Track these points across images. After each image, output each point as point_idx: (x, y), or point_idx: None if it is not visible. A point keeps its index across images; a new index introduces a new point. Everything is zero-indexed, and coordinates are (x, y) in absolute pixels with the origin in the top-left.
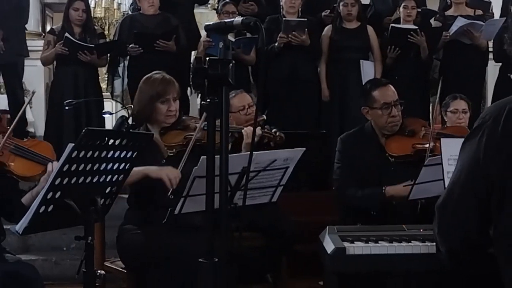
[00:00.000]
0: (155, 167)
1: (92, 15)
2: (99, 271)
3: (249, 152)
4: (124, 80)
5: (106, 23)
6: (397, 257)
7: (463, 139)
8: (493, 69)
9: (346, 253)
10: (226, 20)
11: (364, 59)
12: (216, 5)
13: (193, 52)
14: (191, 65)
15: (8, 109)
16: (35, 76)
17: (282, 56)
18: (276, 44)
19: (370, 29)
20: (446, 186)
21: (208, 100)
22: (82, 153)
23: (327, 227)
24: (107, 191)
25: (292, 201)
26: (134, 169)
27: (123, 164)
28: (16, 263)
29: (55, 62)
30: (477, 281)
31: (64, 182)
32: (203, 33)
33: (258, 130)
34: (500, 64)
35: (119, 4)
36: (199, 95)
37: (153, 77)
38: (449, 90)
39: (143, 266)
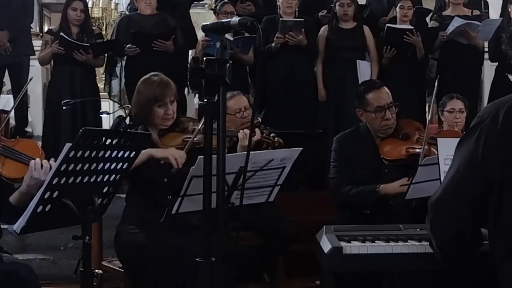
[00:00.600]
0: (159, 148)
1: (89, 15)
2: (96, 270)
3: (246, 152)
4: (121, 80)
5: (103, 23)
6: (394, 257)
7: (459, 139)
8: (489, 69)
9: (343, 253)
10: (223, 20)
11: (361, 59)
12: (213, 5)
13: (190, 52)
14: (188, 65)
15: (7, 109)
16: (33, 75)
17: (279, 56)
18: (273, 44)
19: (366, 29)
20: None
21: (205, 100)
22: (80, 152)
23: (324, 226)
24: (104, 190)
25: (289, 200)
26: None
27: (120, 164)
28: (11, 262)
29: (52, 62)
30: (473, 280)
31: (62, 182)
32: (199, 33)
33: (258, 135)
34: (496, 64)
35: (116, 4)
36: (196, 95)
37: (151, 80)
38: (446, 90)
39: (141, 266)
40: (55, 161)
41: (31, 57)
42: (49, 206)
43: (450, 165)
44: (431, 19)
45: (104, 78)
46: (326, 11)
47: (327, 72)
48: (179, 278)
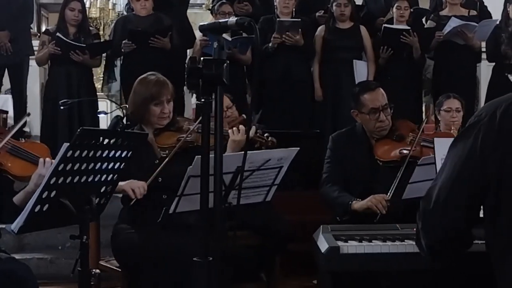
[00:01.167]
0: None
1: (87, 15)
2: (94, 270)
3: (243, 152)
4: (119, 80)
5: (101, 23)
6: (391, 256)
7: (454, 137)
8: (486, 69)
9: (340, 252)
10: (220, 20)
11: (357, 59)
12: (211, 5)
13: (189, 52)
14: (185, 65)
15: (5, 108)
16: (31, 76)
17: (276, 56)
18: (270, 44)
19: (363, 29)
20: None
21: (203, 100)
22: (77, 152)
23: (321, 226)
24: (102, 190)
25: (286, 200)
26: None
27: (117, 164)
28: (9, 262)
29: (49, 62)
30: (469, 280)
31: (59, 182)
32: (197, 33)
33: (252, 133)
34: (493, 64)
35: (114, 5)
36: (194, 95)
37: (148, 79)
38: (442, 90)
39: (138, 265)
40: None
41: (30, 57)
42: (47, 205)
43: (444, 163)
44: (427, 19)
45: (102, 78)
46: (323, 11)
47: (324, 72)
48: (176, 277)
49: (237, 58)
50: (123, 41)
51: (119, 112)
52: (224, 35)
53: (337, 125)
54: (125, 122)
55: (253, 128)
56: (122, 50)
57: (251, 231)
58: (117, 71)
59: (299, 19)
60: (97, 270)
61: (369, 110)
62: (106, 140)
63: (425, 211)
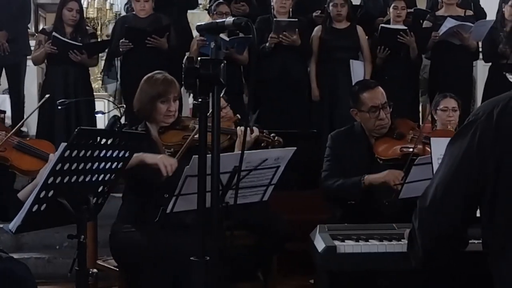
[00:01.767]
0: (151, 154)
1: (84, 15)
2: (91, 269)
3: (240, 152)
4: (117, 81)
5: (98, 24)
6: (387, 256)
7: (451, 136)
8: (482, 69)
9: (337, 252)
10: (217, 21)
11: (354, 59)
12: (208, 5)
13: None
14: (183, 65)
15: (3, 108)
16: (28, 75)
17: (273, 56)
18: (267, 44)
19: (360, 29)
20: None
21: (200, 100)
22: (75, 152)
23: (318, 226)
24: (99, 190)
25: (283, 200)
26: None
27: (115, 163)
28: (7, 261)
29: (46, 62)
30: (466, 279)
31: (57, 181)
32: (194, 33)
33: (256, 132)
34: (490, 63)
35: (111, 5)
36: (191, 94)
37: (155, 77)
38: (439, 90)
39: (136, 265)
40: None
41: (27, 57)
42: (44, 205)
43: (441, 161)
44: (424, 19)
45: (99, 78)
46: (320, 11)
47: (320, 72)
48: (174, 277)
49: (234, 58)
50: (121, 40)
51: (116, 112)
52: (221, 35)
53: (334, 125)
54: (122, 122)
55: (256, 129)
56: (120, 49)
57: (248, 230)
58: (116, 70)
59: (296, 19)
60: (95, 270)
61: (369, 108)
62: (104, 140)
63: (421, 209)
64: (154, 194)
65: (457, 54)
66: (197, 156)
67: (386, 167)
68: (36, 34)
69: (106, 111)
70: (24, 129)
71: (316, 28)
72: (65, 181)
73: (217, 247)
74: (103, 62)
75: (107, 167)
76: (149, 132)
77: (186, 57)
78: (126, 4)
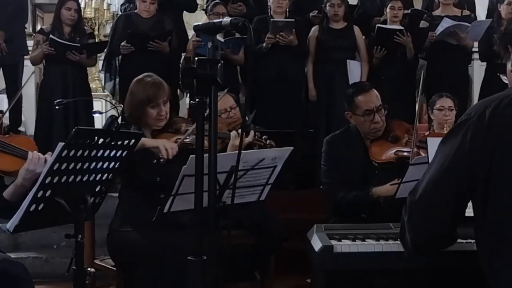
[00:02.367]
0: (150, 138)
1: (82, 15)
2: (89, 269)
3: (237, 151)
4: (115, 79)
5: (95, 24)
6: (384, 255)
7: (444, 135)
8: (479, 69)
9: (334, 251)
10: (214, 21)
11: (351, 59)
12: (205, 5)
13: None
14: (180, 65)
15: (0, 108)
16: (26, 75)
17: (270, 56)
18: (264, 45)
19: (356, 29)
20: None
21: (197, 100)
22: (72, 152)
23: (315, 225)
24: (97, 189)
25: (280, 199)
26: None
27: (112, 163)
28: (4, 261)
29: (44, 62)
30: (462, 279)
31: (55, 181)
32: (190, 32)
33: (251, 137)
34: (486, 63)
35: (109, 5)
36: (188, 95)
37: (144, 80)
38: (435, 90)
39: (133, 264)
40: (52, 155)
41: (24, 57)
42: (42, 205)
43: (433, 159)
44: (420, 20)
45: (96, 78)
46: (316, 11)
47: (317, 72)
48: (171, 276)
49: (230, 58)
50: (122, 43)
51: (114, 112)
52: (217, 36)
53: (330, 125)
54: (120, 122)
55: (252, 133)
56: (121, 51)
57: (245, 230)
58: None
59: (293, 19)
60: (92, 269)
61: (363, 112)
62: (101, 140)
63: (411, 204)
64: (150, 194)
65: (454, 54)
66: (194, 156)
67: (381, 170)
68: (34, 34)
69: (104, 111)
70: (21, 129)
71: (313, 28)
72: (62, 180)
73: (214, 247)
74: (101, 62)
75: (104, 166)
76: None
77: (183, 57)
78: (122, 5)
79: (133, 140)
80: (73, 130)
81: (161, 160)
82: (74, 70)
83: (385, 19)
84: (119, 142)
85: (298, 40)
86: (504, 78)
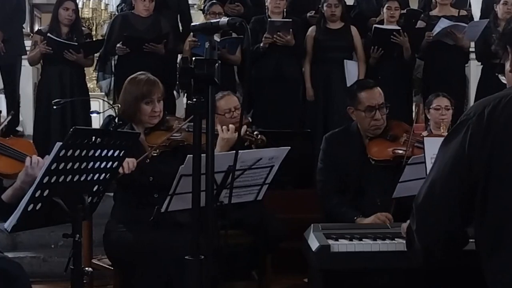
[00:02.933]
0: None
1: (80, 15)
2: (86, 268)
3: (234, 151)
4: (111, 78)
5: (93, 24)
6: (381, 255)
7: (444, 137)
8: (475, 69)
9: (331, 251)
10: (212, 21)
11: (348, 59)
12: (202, 5)
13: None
14: (177, 65)
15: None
16: (24, 75)
17: (268, 56)
18: (261, 45)
19: (353, 29)
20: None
21: (194, 99)
22: (70, 151)
23: (312, 224)
24: (94, 189)
25: (277, 199)
26: None
27: (110, 163)
28: (2, 260)
29: (42, 62)
30: (459, 278)
31: (52, 181)
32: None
33: (242, 131)
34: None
35: (106, 5)
36: (185, 94)
37: (138, 78)
38: (432, 90)
39: (130, 264)
40: None
41: (22, 57)
42: (39, 204)
43: (434, 161)
44: (417, 19)
45: (94, 78)
46: (314, 11)
47: (314, 72)
48: (168, 276)
49: (226, 58)
50: (117, 45)
51: (111, 112)
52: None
53: (328, 125)
54: (117, 122)
55: (244, 127)
56: (116, 52)
57: (242, 230)
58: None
59: (290, 19)
60: (90, 269)
61: (366, 107)
62: (99, 140)
63: (417, 209)
64: (144, 194)
65: (451, 54)
66: (191, 155)
67: (378, 168)
68: (32, 35)
69: (101, 110)
70: (19, 128)
71: (310, 28)
72: (60, 180)
73: (211, 246)
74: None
75: (102, 166)
76: None
77: (181, 57)
78: (119, 5)
79: (130, 140)
80: (71, 130)
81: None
82: (72, 70)
83: (381, 20)
84: (117, 142)
85: (295, 40)
86: (503, 78)
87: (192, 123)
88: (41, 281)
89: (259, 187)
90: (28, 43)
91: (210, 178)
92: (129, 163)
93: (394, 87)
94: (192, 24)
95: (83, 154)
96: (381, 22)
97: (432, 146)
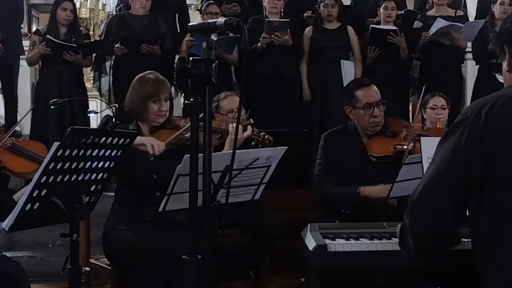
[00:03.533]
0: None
1: (77, 15)
2: (84, 267)
3: (232, 151)
4: (109, 78)
5: (91, 24)
6: (378, 254)
7: (441, 136)
8: (472, 69)
9: (328, 250)
10: (209, 21)
11: (345, 59)
12: (200, 6)
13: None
14: (174, 65)
15: None
16: (22, 75)
17: (265, 56)
18: (259, 45)
19: (350, 29)
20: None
21: (192, 99)
22: (68, 151)
23: (309, 224)
24: (92, 189)
25: (274, 198)
26: None
27: (107, 163)
28: (1, 259)
29: (40, 62)
30: (456, 277)
31: (50, 180)
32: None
33: (249, 131)
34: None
35: (104, 5)
36: (183, 94)
37: (147, 77)
38: (428, 90)
39: (128, 263)
40: None
41: (20, 57)
42: (37, 204)
43: (431, 161)
44: (414, 20)
45: (92, 78)
46: (310, 11)
47: (311, 72)
48: (166, 275)
49: (223, 58)
50: (115, 45)
51: (109, 112)
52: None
53: (325, 125)
54: (114, 121)
55: (250, 128)
56: (114, 52)
57: (240, 229)
58: (107, 66)
59: (288, 20)
60: (87, 268)
61: (364, 105)
62: (96, 139)
63: (411, 207)
64: (146, 192)
65: (447, 54)
66: (189, 155)
67: (379, 165)
68: (29, 35)
69: (99, 110)
70: (17, 128)
71: (307, 28)
72: (58, 180)
73: (209, 246)
74: None
75: (99, 166)
76: (140, 132)
77: (178, 57)
78: (117, 5)
79: (128, 139)
80: (68, 129)
81: (149, 156)
82: (70, 70)
83: (378, 20)
84: (114, 142)
85: (293, 40)
86: (500, 77)
87: (201, 123)
88: (39, 280)
89: (256, 187)
90: (26, 43)
91: (208, 178)
92: (160, 145)
93: (391, 87)
94: (189, 24)
95: (80, 154)
96: (378, 22)
97: (428, 146)
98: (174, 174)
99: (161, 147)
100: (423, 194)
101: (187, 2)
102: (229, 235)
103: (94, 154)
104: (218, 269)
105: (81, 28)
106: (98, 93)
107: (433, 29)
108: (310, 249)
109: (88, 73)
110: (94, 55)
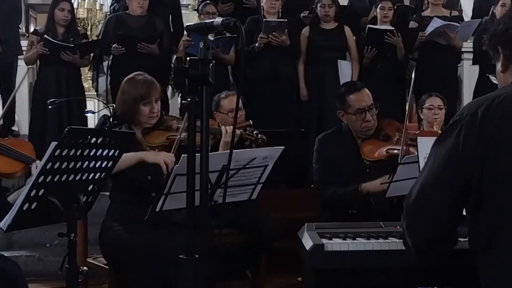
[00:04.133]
0: (150, 152)
1: (75, 16)
2: (81, 267)
3: (229, 151)
4: (107, 78)
5: (88, 24)
6: (375, 254)
7: (437, 136)
8: (468, 69)
9: (324, 250)
10: (206, 21)
11: (342, 59)
12: (197, 6)
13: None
14: (172, 65)
15: None
16: (19, 75)
17: (263, 56)
18: (256, 45)
19: (347, 29)
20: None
21: (189, 99)
22: (65, 151)
23: (306, 224)
24: (89, 188)
25: (271, 198)
26: (129, 154)
27: (105, 162)
28: None
29: (38, 62)
30: (454, 277)
31: (47, 180)
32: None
33: (238, 130)
34: (477, 64)
35: (101, 5)
36: (180, 94)
37: (136, 79)
38: (424, 90)
39: (125, 263)
40: None
41: (18, 57)
42: (35, 204)
43: (426, 161)
44: (410, 20)
45: (90, 77)
46: (307, 11)
47: (309, 71)
48: (163, 274)
49: (220, 57)
50: (113, 45)
51: (106, 111)
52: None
53: (322, 124)
54: (112, 121)
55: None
56: (112, 52)
57: (237, 229)
58: (105, 65)
59: (286, 20)
60: (85, 268)
61: (355, 110)
62: (94, 139)
63: (407, 209)
64: (141, 193)
65: (443, 54)
66: (186, 155)
67: (372, 168)
68: (27, 35)
69: (96, 110)
70: (15, 128)
71: (304, 29)
72: (55, 179)
73: (206, 246)
74: None
75: (97, 166)
76: None
77: (175, 57)
78: (111, 5)
79: (126, 139)
80: (66, 129)
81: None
82: (68, 70)
83: (372, 17)
84: (112, 141)
85: (290, 40)
86: (493, 79)
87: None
88: (36, 280)
89: (253, 187)
90: (24, 43)
91: (205, 178)
92: (173, 162)
93: (387, 87)
94: (187, 24)
95: (78, 154)
96: (373, 20)
97: (425, 146)
98: (171, 174)
99: (173, 161)
100: (420, 195)
101: (184, 2)
102: (227, 234)
103: (91, 154)
104: (215, 268)
105: (78, 28)
106: (95, 93)
107: (430, 29)
108: (307, 249)
109: (86, 73)
110: (91, 55)
